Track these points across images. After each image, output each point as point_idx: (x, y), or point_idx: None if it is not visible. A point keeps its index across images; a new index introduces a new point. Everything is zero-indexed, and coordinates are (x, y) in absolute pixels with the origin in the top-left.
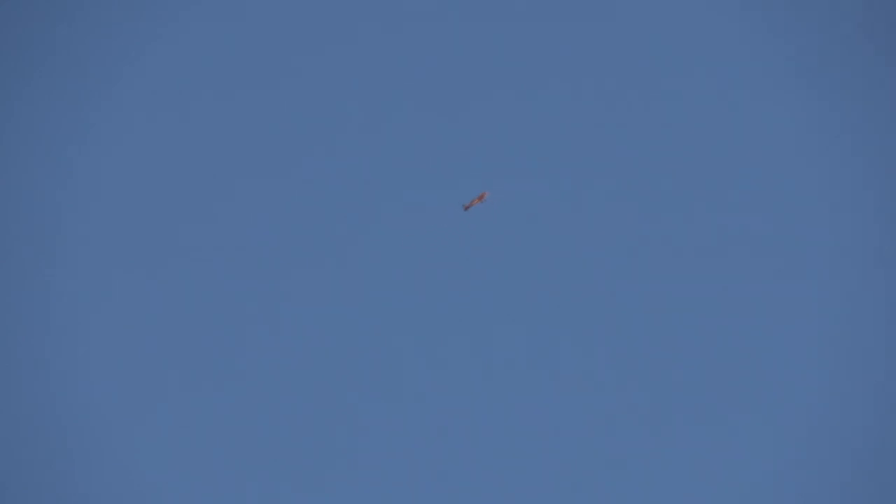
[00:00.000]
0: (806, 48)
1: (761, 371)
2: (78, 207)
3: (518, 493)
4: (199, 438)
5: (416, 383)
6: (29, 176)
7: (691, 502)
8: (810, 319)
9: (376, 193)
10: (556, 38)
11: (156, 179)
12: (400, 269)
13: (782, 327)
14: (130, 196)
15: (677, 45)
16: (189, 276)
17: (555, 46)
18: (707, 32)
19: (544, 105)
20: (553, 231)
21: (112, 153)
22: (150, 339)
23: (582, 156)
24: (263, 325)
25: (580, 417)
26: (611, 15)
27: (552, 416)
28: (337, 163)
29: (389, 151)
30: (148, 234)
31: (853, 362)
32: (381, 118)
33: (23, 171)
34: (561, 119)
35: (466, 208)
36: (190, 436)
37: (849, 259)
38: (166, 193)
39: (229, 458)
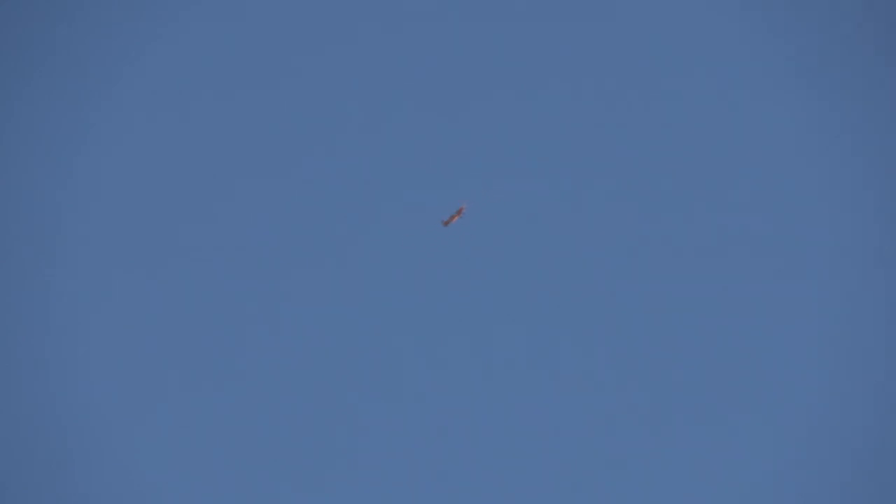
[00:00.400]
0: (806, 48)
1: (761, 371)
2: (78, 207)
3: (518, 493)
4: (199, 438)
5: (416, 383)
6: (29, 176)
7: (691, 502)
8: (810, 319)
9: (376, 193)
10: (556, 38)
11: (156, 179)
12: (400, 269)
13: (782, 327)
14: (130, 196)
15: (677, 45)
16: (189, 276)
17: (554, 46)
18: (707, 32)
19: (544, 105)
20: (553, 230)
21: (112, 153)
22: (150, 339)
23: (582, 155)
24: (263, 325)
25: (580, 417)
26: (611, 14)
27: (552, 416)
28: (337, 163)
29: (389, 151)
30: (148, 234)
31: (853, 362)
32: (381, 118)
33: (23, 171)
34: (560, 119)
35: (446, 224)
36: (190, 436)
37: (849, 259)
38: (166, 193)
39: (229, 458)
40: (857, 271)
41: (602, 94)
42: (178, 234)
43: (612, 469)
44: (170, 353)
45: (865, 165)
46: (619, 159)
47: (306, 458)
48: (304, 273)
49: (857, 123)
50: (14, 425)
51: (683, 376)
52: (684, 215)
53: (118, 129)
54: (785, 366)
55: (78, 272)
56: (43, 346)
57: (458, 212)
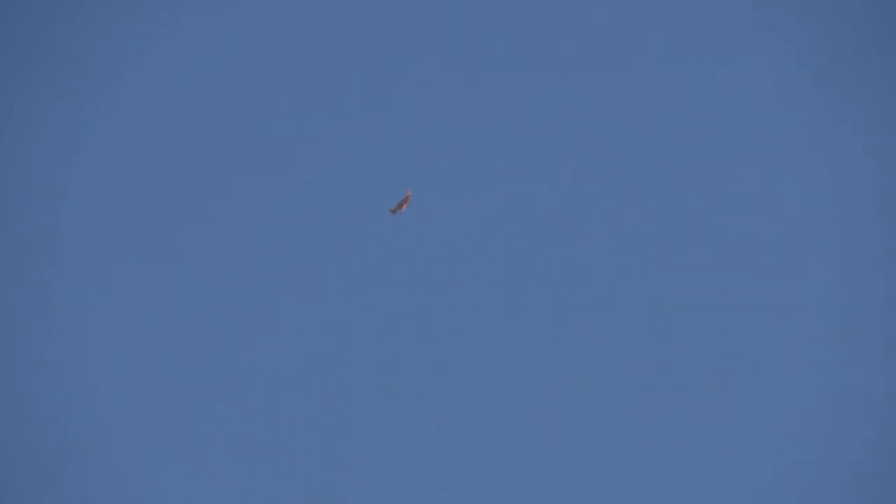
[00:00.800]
0: (806, 48)
1: (761, 371)
2: (78, 207)
3: (518, 493)
4: (198, 438)
5: (416, 383)
6: (29, 176)
7: (691, 502)
8: (810, 319)
9: (376, 193)
10: (556, 38)
11: (156, 179)
12: (399, 269)
13: (782, 327)
14: (130, 196)
15: (677, 44)
16: (189, 276)
17: (554, 46)
18: (707, 32)
19: (543, 104)
20: (553, 230)
21: (112, 153)
22: (150, 339)
23: (581, 155)
24: (263, 326)
25: (580, 417)
26: (612, 14)
27: (552, 417)
28: (337, 163)
29: (388, 151)
30: (148, 235)
31: (853, 362)
32: (381, 118)
33: (23, 171)
34: (560, 118)
35: (393, 212)
36: (190, 436)
37: (849, 259)
38: (166, 193)
39: (229, 458)
40: (857, 271)
41: (602, 93)
42: (178, 235)
43: (611, 469)
44: (170, 353)
45: (865, 165)
46: (619, 159)
47: (306, 458)
48: (303, 273)
49: (857, 123)
50: (14, 425)
51: (683, 376)
52: (685, 215)
53: (118, 129)
54: (785, 366)
55: (78, 272)
56: (43, 346)
57: (406, 199)
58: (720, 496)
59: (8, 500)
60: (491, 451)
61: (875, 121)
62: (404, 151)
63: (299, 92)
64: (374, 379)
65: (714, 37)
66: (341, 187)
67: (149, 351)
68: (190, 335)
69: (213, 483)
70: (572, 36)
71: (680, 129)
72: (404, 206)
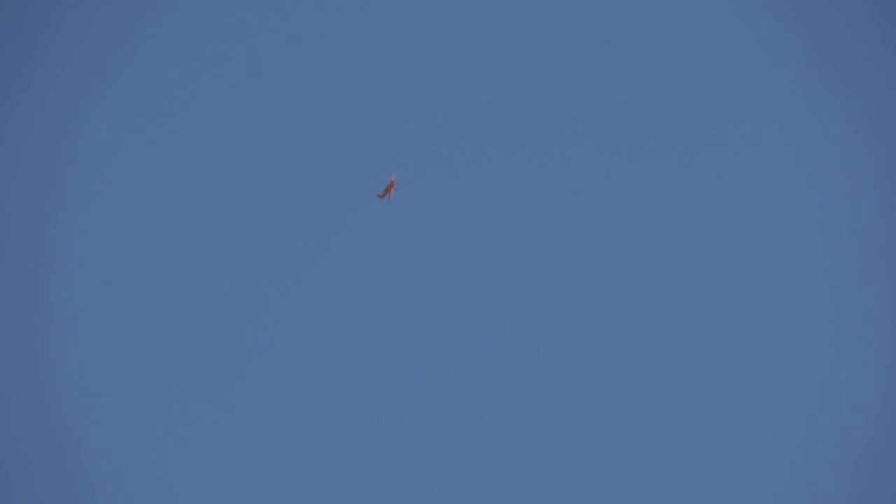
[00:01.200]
0: (806, 48)
1: (761, 371)
2: (78, 208)
3: (518, 493)
4: (198, 438)
5: (416, 383)
6: (29, 176)
7: (691, 501)
8: (810, 319)
9: (375, 193)
10: (556, 38)
11: (156, 180)
12: (400, 269)
13: (782, 327)
14: (130, 196)
15: (677, 45)
16: (189, 276)
17: (554, 46)
18: (706, 31)
19: (543, 104)
20: (553, 229)
21: (112, 153)
22: (150, 339)
23: (582, 155)
24: (263, 326)
25: (580, 417)
26: (612, 14)
27: (552, 416)
28: (336, 163)
29: (388, 151)
30: (148, 235)
31: (852, 362)
32: (381, 118)
33: (23, 171)
34: (560, 118)
35: (381, 197)
36: (190, 435)
37: (849, 259)
38: (166, 194)
39: (229, 458)
40: (856, 271)
41: (602, 92)
42: (178, 235)
43: (612, 469)
44: (170, 352)
45: (865, 165)
46: (620, 158)
47: (306, 457)
48: (304, 273)
49: (857, 123)
50: (14, 425)
51: (683, 376)
52: (685, 215)
53: (118, 129)
54: (785, 365)
55: (78, 272)
56: (43, 347)
57: (391, 184)
58: (720, 496)
59: (8, 500)
60: (491, 451)
61: (875, 121)
62: (403, 151)
63: (299, 92)
64: (373, 379)
65: (714, 36)
66: (341, 187)
67: (149, 350)
68: (190, 335)
69: (214, 483)
70: (572, 35)
71: (680, 129)
72: (392, 190)
